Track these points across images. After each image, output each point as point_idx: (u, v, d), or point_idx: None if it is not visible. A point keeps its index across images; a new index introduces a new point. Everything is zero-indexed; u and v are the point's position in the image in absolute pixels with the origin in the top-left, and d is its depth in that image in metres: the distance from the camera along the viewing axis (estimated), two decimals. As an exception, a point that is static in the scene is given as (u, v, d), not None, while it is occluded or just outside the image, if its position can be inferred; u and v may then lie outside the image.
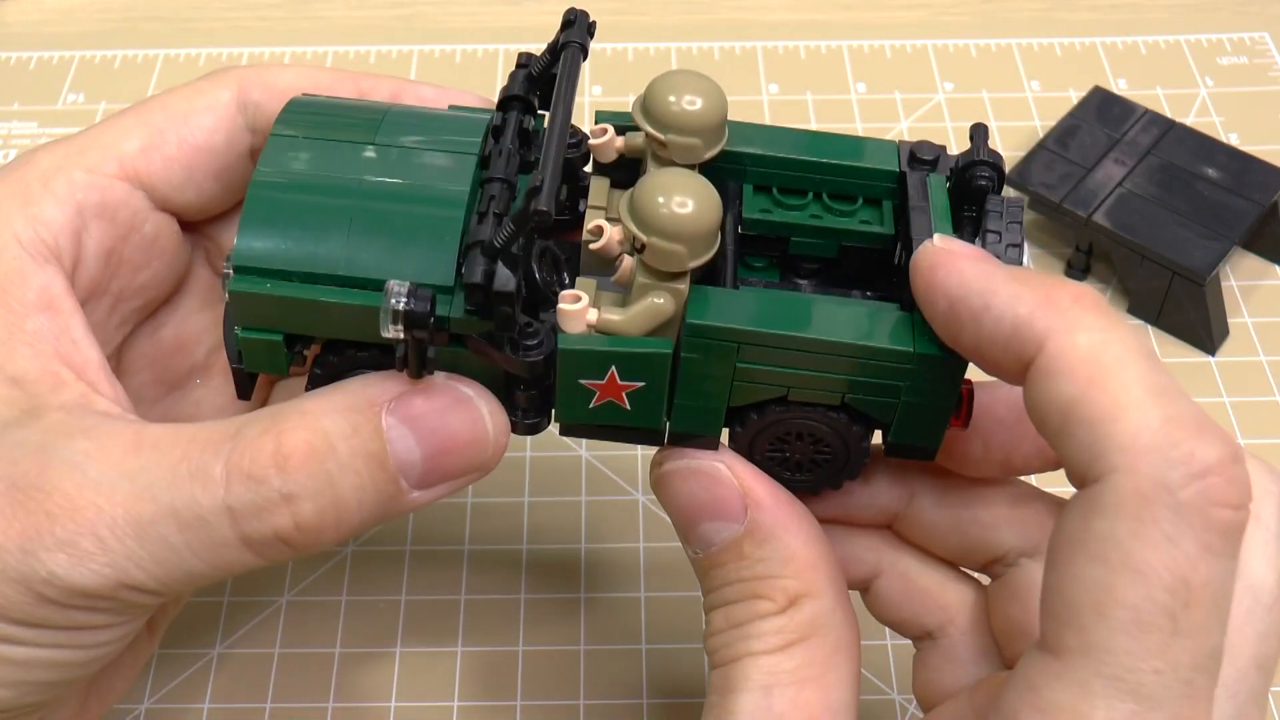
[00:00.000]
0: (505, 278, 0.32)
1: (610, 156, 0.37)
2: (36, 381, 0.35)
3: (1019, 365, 0.31)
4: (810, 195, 0.38)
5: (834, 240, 0.38)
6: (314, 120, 0.36)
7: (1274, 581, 0.33)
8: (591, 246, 0.35)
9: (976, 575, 0.40)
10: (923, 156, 0.37)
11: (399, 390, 0.34)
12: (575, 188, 0.38)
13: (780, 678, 0.35)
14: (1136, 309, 0.60)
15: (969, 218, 0.36)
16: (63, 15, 0.76)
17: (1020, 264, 0.34)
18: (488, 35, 0.74)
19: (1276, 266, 0.62)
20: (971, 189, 0.36)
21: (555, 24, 0.38)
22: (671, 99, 0.35)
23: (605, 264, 0.35)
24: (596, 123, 0.37)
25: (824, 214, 0.38)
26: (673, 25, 0.75)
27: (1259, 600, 0.33)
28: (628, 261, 0.34)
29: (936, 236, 0.34)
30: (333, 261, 0.34)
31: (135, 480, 0.33)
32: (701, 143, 0.35)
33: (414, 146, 0.36)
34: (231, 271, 0.34)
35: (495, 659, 0.49)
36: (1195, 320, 0.59)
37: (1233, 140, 0.67)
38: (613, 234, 0.35)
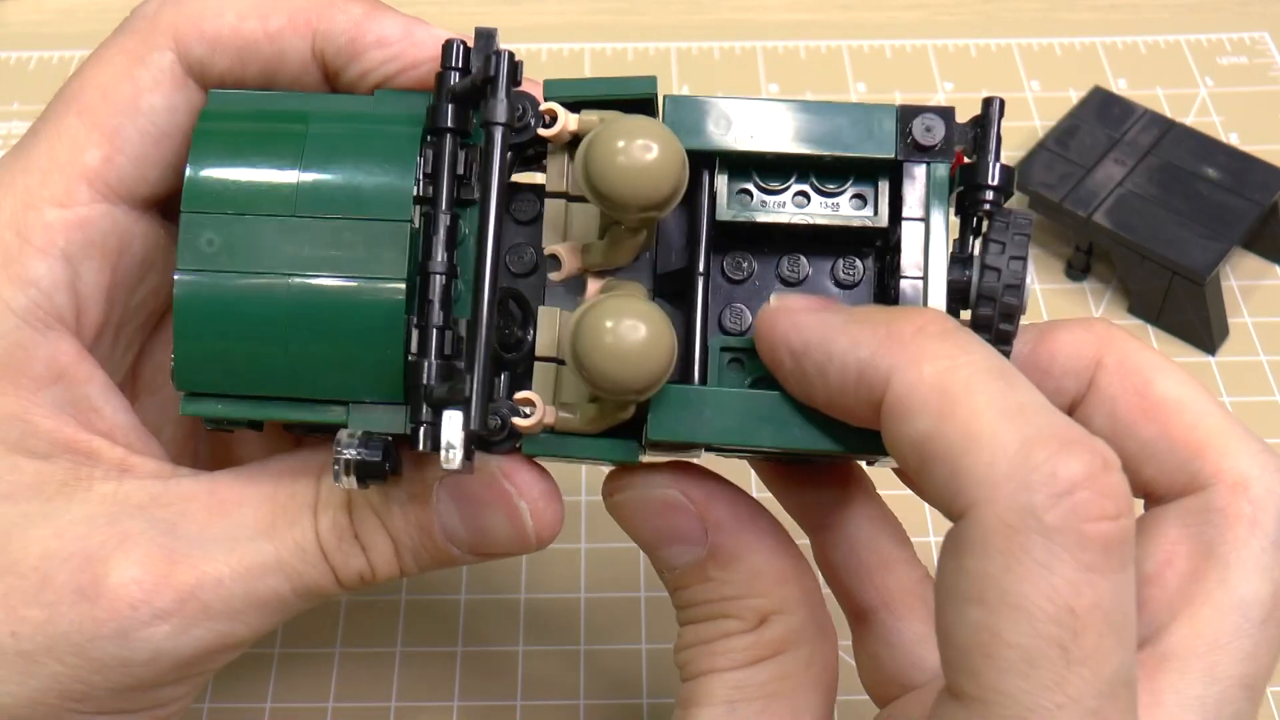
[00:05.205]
0: (455, 458, 0.30)
1: (565, 139, 0.34)
2: (68, 455, 0.34)
3: (870, 410, 0.30)
4: (795, 175, 0.35)
5: (820, 233, 0.35)
6: (226, 191, 0.33)
7: (1268, 594, 0.31)
8: (553, 277, 0.34)
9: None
10: (923, 143, 0.34)
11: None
12: (523, 154, 0.35)
13: (747, 692, 0.33)
14: (1136, 309, 0.60)
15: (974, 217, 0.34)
16: (63, 15, 0.76)
17: (1023, 278, 0.33)
18: (488, 35, 0.74)
19: (1276, 266, 0.62)
20: (972, 214, 0.34)
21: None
22: (622, 185, 0.30)
23: (572, 279, 0.35)
24: (546, 97, 0.34)
25: (811, 196, 0.35)
26: (673, 25, 0.75)
27: (1247, 616, 0.31)
28: (593, 287, 0.34)
29: (772, 297, 0.33)
30: (276, 383, 0.33)
31: (232, 539, 0.34)
32: (659, 213, 0.32)
33: (339, 217, 0.33)
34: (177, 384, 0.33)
35: (495, 659, 0.49)
36: (1195, 320, 0.59)
37: (1233, 140, 0.67)
38: (571, 262, 0.34)
